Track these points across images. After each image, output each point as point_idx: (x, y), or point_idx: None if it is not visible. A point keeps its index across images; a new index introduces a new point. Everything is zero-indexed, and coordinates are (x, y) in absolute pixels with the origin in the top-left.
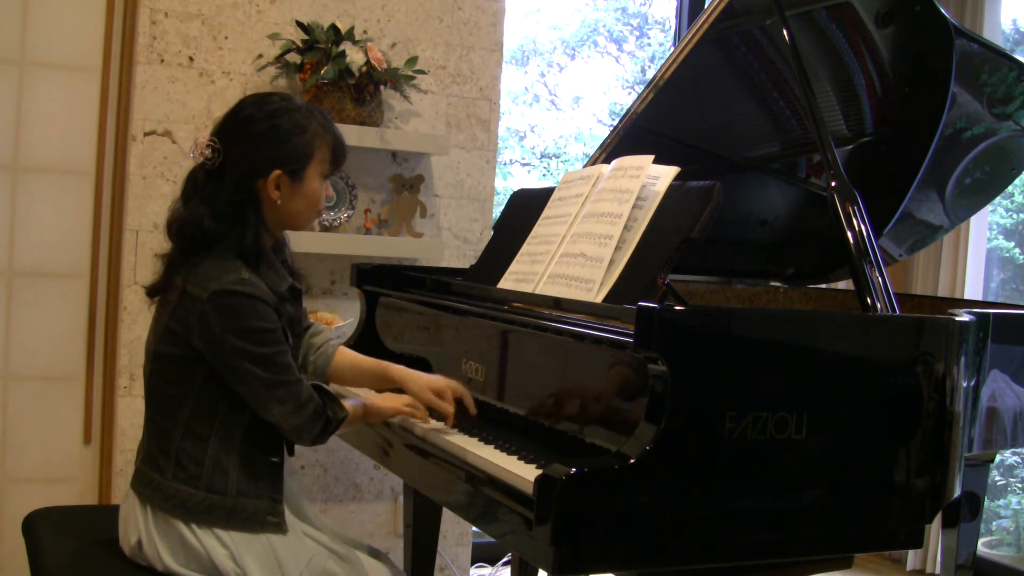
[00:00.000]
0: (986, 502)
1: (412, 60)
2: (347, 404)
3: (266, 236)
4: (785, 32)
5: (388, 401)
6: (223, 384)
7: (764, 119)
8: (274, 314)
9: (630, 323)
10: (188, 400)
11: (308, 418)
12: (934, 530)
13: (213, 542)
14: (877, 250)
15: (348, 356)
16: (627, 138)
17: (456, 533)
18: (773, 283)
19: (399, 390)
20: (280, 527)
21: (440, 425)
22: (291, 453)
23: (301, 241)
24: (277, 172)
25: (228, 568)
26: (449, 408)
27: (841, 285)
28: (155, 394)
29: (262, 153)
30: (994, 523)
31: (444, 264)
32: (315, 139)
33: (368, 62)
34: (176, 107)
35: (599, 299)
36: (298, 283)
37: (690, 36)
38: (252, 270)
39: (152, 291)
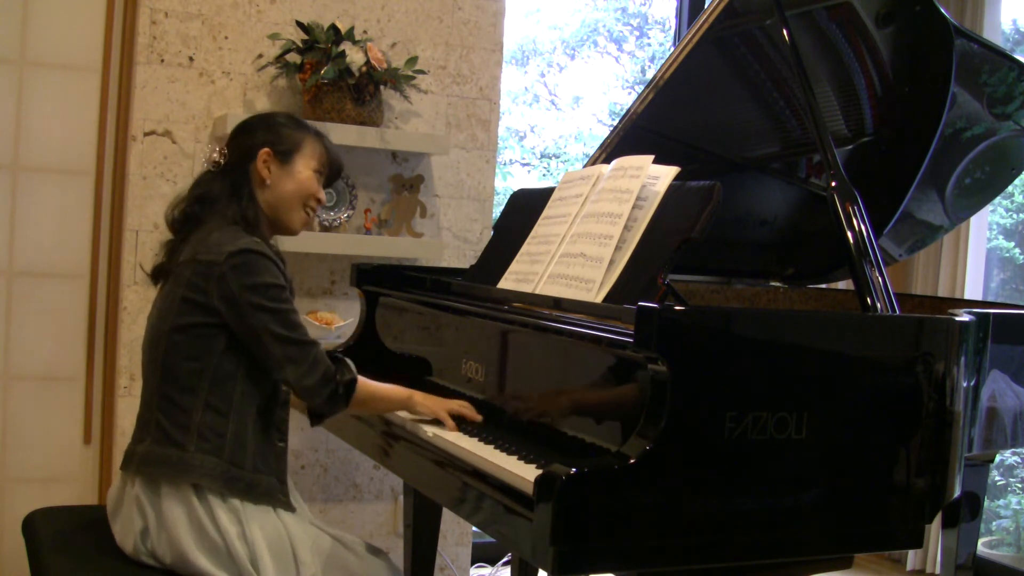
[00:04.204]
0: (986, 502)
1: (412, 60)
2: (391, 387)
3: (263, 226)
4: (785, 32)
5: (434, 402)
6: (240, 354)
7: (764, 119)
8: (283, 276)
9: (630, 323)
10: (207, 374)
11: (319, 380)
12: (934, 530)
13: (227, 519)
14: (877, 250)
15: None
16: (627, 138)
17: (456, 533)
18: (773, 283)
19: None
20: (289, 505)
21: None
22: (314, 423)
23: (301, 241)
24: (266, 150)
25: (239, 551)
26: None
27: (841, 285)
28: (173, 371)
29: (253, 137)
30: (994, 523)
31: (444, 264)
32: (306, 136)
33: (368, 62)
34: (176, 107)
35: (599, 299)
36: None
37: (690, 36)
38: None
39: (156, 272)
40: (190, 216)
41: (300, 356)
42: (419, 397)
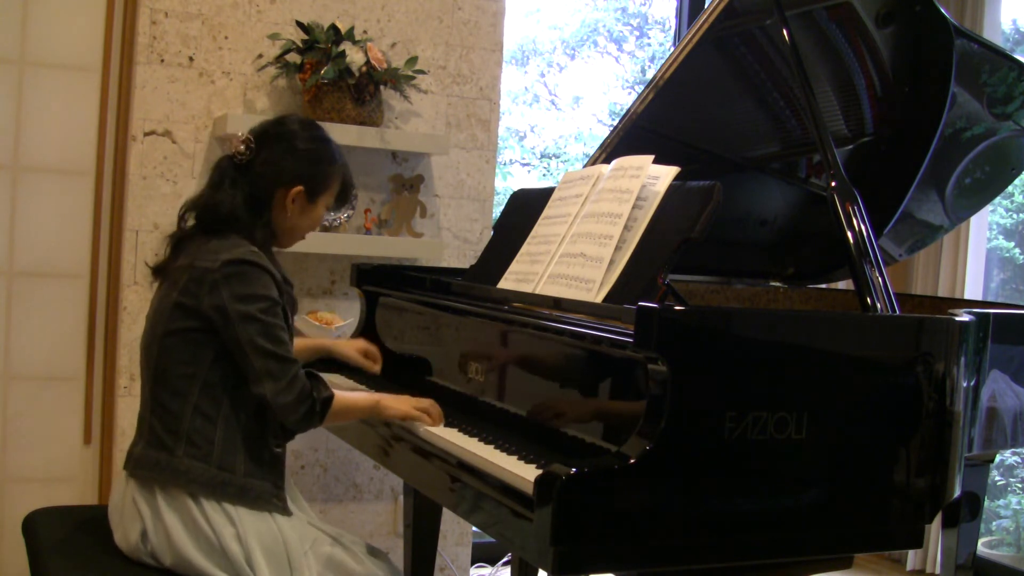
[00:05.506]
0: (986, 502)
1: (412, 60)
2: (358, 395)
3: (268, 242)
4: (785, 32)
5: (400, 403)
6: (231, 362)
7: (764, 119)
8: (277, 290)
9: (630, 323)
10: (198, 379)
11: (295, 398)
12: (934, 530)
13: (221, 520)
14: (877, 250)
15: None
16: (627, 138)
17: (456, 533)
18: (773, 283)
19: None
20: (285, 509)
21: (440, 425)
22: (287, 439)
23: (301, 241)
24: (299, 188)
25: (234, 550)
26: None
27: (841, 285)
28: (164, 375)
29: (295, 166)
30: (994, 523)
31: (444, 264)
32: (336, 174)
33: (368, 62)
34: (176, 107)
35: (599, 299)
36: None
37: (690, 36)
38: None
39: (158, 270)
40: (212, 214)
41: (280, 372)
42: (385, 400)
